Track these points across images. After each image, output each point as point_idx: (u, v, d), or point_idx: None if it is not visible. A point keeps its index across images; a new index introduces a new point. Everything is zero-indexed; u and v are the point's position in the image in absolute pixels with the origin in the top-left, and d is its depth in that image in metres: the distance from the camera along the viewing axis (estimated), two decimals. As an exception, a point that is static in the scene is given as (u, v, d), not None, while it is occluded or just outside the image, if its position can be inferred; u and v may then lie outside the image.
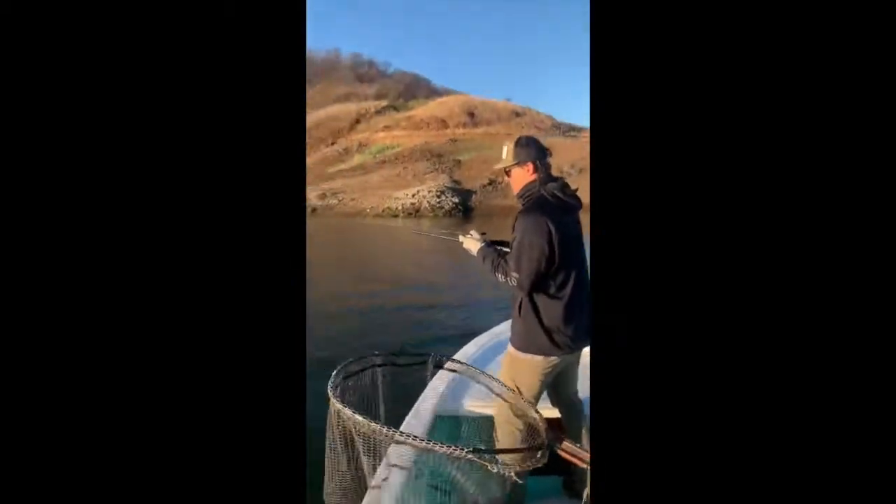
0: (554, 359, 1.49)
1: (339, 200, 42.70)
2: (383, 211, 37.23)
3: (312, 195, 44.65)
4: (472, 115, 69.84)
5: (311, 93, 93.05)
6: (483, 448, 0.85)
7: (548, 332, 1.47)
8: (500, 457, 0.87)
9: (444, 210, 35.90)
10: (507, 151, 1.68)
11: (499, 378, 1.56)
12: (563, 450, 0.97)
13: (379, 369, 1.38)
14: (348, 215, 36.98)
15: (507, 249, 1.62)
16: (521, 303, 1.52)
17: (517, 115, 74.57)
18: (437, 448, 0.86)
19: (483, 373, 1.51)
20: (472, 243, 1.71)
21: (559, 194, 1.55)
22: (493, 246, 1.68)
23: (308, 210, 40.94)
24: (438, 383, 2.13)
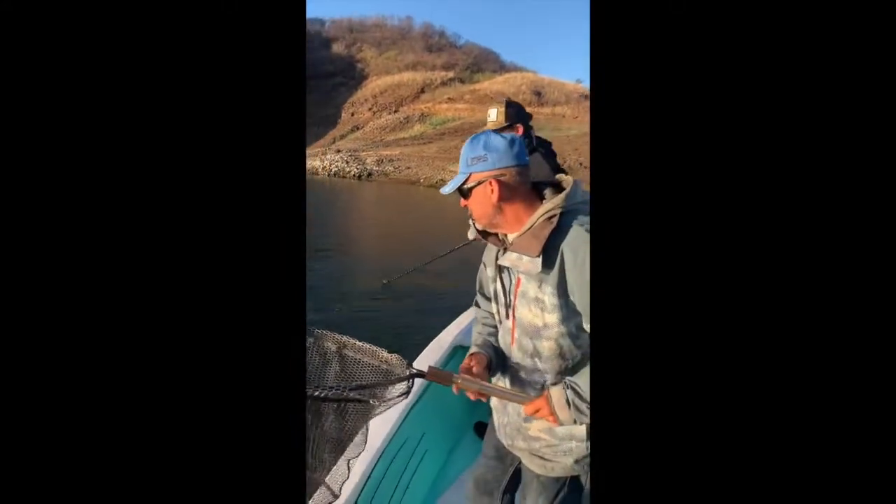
0: None
1: (395, 168, 43.23)
2: (437, 182, 37.34)
3: (369, 160, 45.42)
4: (539, 94, 67.75)
5: (379, 60, 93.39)
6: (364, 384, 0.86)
7: None
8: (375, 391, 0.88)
9: (497, 189, 35.35)
10: (497, 113, 1.75)
11: None
12: (430, 375, 0.99)
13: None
14: (402, 183, 37.43)
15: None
16: None
17: (586, 97, 71.37)
18: (323, 394, 0.80)
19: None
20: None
21: (547, 146, 1.82)
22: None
23: (364, 175, 41.82)
24: (463, 319, 2.21)
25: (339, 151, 52.27)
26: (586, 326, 0.99)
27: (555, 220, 0.97)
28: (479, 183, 0.99)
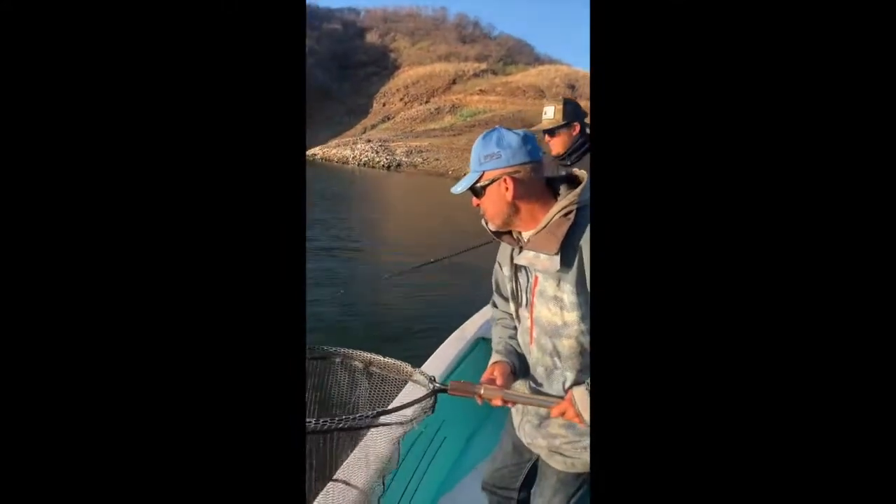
0: None
1: (424, 159, 43.25)
2: (465, 175, 37.04)
3: (399, 151, 45.59)
4: (573, 87, 66.31)
5: (412, 50, 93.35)
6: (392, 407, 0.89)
7: None
8: (403, 412, 0.90)
9: (526, 183, 34.97)
10: (555, 111, 1.70)
11: None
12: (453, 390, 0.99)
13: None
14: (430, 174, 37.40)
15: None
16: None
17: (622, 92, 68.88)
18: (354, 423, 0.83)
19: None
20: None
21: None
22: None
23: (392, 165, 42.02)
24: (486, 310, 2.21)
25: (369, 141, 52.64)
26: None
27: (571, 216, 0.94)
28: (493, 181, 0.96)
